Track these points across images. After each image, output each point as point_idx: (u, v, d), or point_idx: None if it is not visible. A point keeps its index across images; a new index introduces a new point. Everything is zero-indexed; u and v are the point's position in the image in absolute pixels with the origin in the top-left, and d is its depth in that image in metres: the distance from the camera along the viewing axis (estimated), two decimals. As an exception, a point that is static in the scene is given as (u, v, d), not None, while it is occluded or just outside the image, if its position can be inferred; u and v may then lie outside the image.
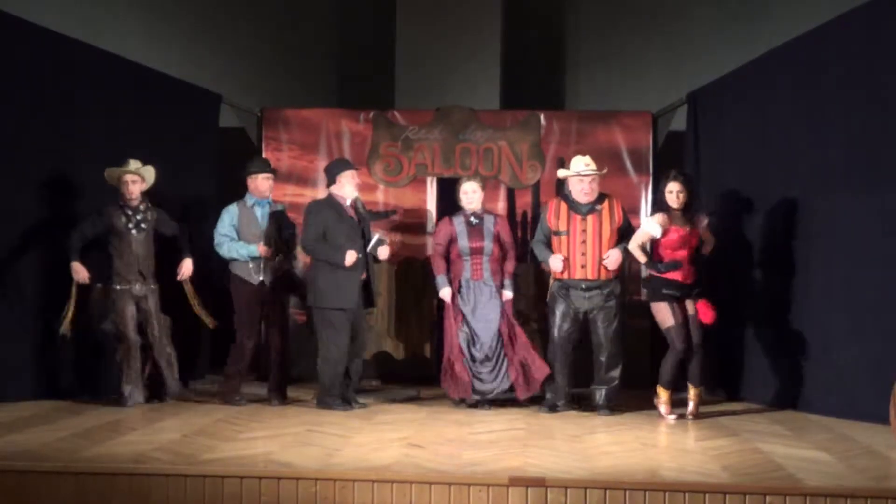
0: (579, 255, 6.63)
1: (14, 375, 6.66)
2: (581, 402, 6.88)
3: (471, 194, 6.98)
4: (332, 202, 6.82)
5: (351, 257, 6.63)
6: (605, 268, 6.64)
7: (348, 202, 6.83)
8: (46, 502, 4.70)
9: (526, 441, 5.66)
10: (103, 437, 5.58)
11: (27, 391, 6.71)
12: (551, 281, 6.81)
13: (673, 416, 6.50)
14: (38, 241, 6.78)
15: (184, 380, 7.17)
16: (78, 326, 6.68)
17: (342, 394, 6.76)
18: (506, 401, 6.94)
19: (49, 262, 6.78)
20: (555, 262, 6.65)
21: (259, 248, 6.88)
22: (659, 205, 6.65)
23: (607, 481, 4.62)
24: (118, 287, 6.69)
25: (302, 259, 7.43)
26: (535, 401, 6.85)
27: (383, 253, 6.87)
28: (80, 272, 6.59)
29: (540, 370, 6.79)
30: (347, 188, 6.83)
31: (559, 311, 6.71)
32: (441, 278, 6.95)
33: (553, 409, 6.72)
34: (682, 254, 6.54)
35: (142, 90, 7.55)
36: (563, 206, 6.70)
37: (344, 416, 6.47)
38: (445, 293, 6.93)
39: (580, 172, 6.65)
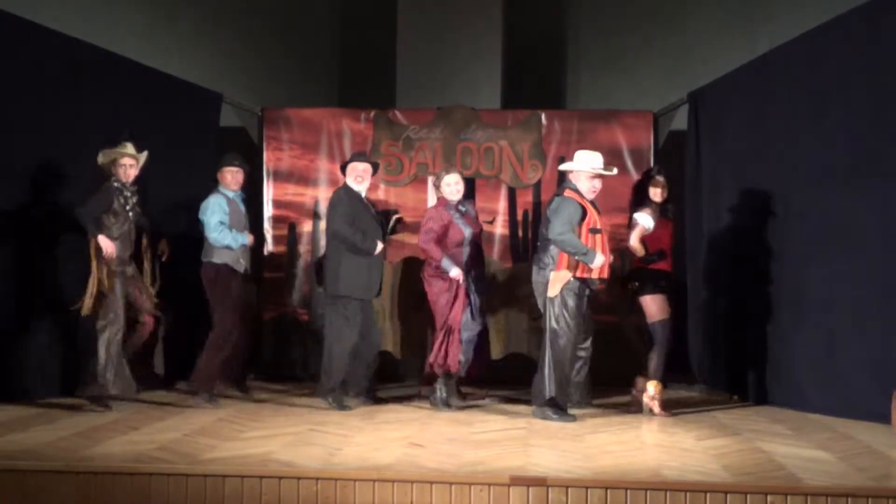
0: (610, 253, 6.48)
1: (12, 375, 6.66)
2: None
3: (454, 185, 6.95)
4: (350, 192, 6.90)
5: (380, 246, 6.83)
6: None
7: (363, 193, 6.94)
8: (48, 502, 4.70)
9: (527, 440, 5.66)
10: (105, 436, 5.58)
11: (25, 391, 6.70)
12: (563, 277, 6.36)
13: (665, 414, 6.53)
14: (40, 240, 6.78)
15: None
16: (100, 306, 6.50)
17: (362, 386, 6.91)
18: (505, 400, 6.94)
19: (52, 260, 6.80)
20: (600, 261, 6.33)
21: (249, 238, 7.05)
22: (641, 201, 6.74)
23: (608, 481, 4.62)
24: (114, 269, 6.52)
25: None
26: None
27: (402, 229, 7.12)
28: (109, 245, 6.45)
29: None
30: (349, 179, 6.91)
31: (575, 310, 6.39)
32: (447, 260, 6.82)
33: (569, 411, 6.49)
34: (665, 244, 6.70)
35: (143, 89, 7.56)
36: (586, 202, 6.44)
37: (345, 416, 6.48)
38: (457, 273, 6.79)
39: (600, 171, 6.44)
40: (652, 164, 8.28)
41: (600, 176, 6.48)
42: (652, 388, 6.61)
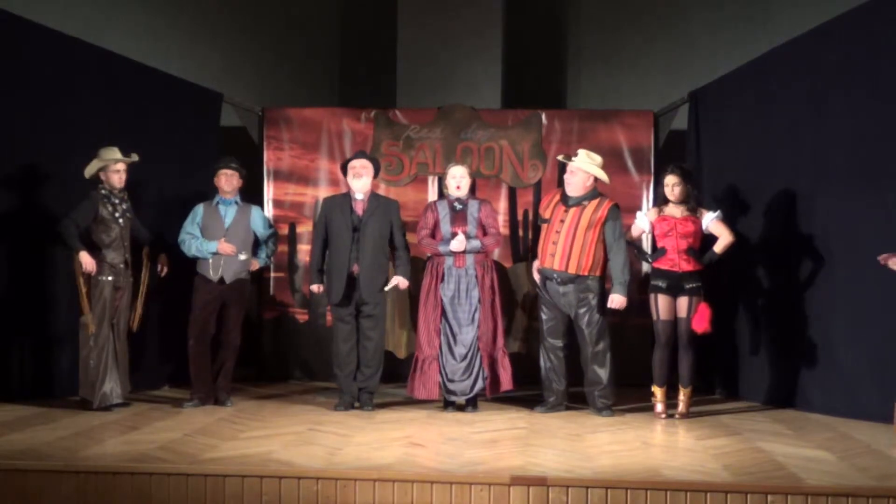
0: (550, 243, 6.56)
1: (12, 375, 6.67)
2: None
3: (459, 178, 6.78)
4: (344, 196, 6.85)
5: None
6: (578, 263, 6.47)
7: (359, 196, 6.74)
8: (48, 501, 4.70)
9: (527, 440, 5.66)
10: (105, 436, 5.59)
11: (25, 391, 6.70)
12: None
13: (663, 416, 6.51)
14: (39, 240, 6.77)
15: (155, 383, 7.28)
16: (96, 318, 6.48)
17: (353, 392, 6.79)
18: (502, 399, 6.94)
19: (51, 260, 6.80)
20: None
21: (220, 245, 6.77)
22: (659, 199, 6.76)
23: (609, 480, 4.62)
24: (103, 278, 6.50)
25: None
26: (536, 401, 6.85)
27: (402, 284, 6.88)
28: (89, 262, 6.40)
29: (506, 384, 6.79)
30: (349, 177, 6.80)
31: (541, 301, 6.76)
32: (443, 244, 6.72)
33: (555, 408, 6.64)
34: (668, 241, 6.58)
35: (143, 89, 7.55)
36: (557, 197, 6.71)
37: (345, 416, 6.48)
38: (458, 244, 6.66)
39: (561, 160, 6.76)
40: (652, 163, 8.30)
41: (569, 169, 6.63)
42: (655, 391, 6.61)
